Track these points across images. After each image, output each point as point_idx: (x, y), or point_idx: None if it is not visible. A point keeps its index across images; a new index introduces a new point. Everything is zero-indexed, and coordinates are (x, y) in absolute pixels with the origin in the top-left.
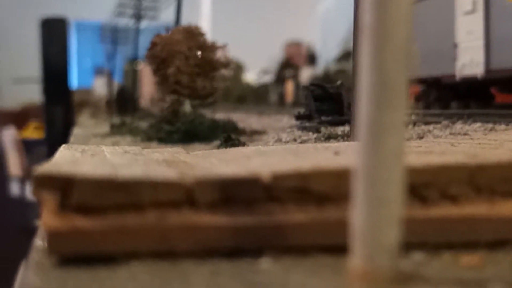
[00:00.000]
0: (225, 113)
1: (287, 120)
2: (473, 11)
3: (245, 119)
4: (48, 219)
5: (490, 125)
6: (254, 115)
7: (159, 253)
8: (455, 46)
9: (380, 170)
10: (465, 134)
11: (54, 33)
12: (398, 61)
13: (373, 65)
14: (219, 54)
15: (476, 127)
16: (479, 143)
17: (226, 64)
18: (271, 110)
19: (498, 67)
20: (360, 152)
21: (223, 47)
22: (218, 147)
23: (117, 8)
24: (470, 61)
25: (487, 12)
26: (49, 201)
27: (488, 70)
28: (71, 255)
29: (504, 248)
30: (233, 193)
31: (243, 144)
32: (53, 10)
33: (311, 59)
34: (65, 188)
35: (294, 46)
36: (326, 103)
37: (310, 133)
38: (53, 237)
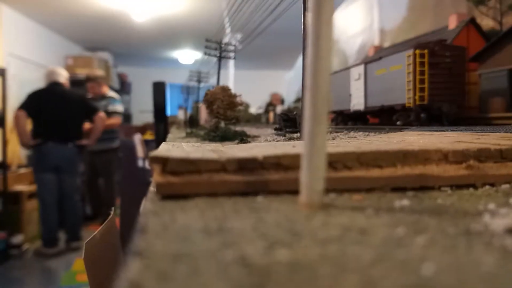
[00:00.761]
0: (240, 127)
1: (270, 131)
2: (359, 78)
3: (250, 130)
4: (156, 177)
5: (367, 133)
6: (254, 128)
7: (209, 194)
8: (350, 95)
9: (314, 154)
10: (354, 137)
11: (159, 88)
12: (323, 102)
13: (310, 104)
14: (238, 99)
15: (360, 134)
16: (361, 142)
17: (241, 103)
18: (262, 126)
19: (370, 106)
20: (304, 146)
21: (240, 95)
22: (237, 143)
23: (189, 77)
24: (357, 103)
25: (365, 79)
26: (157, 169)
27: (366, 107)
28: (167, 195)
29: (373, 192)
30: (244, 165)
31: (249, 142)
32: (159, 78)
33: (282, 101)
34: (164, 162)
35: (274, 95)
36: (289, 122)
37: (281, 137)
38: (158, 186)
